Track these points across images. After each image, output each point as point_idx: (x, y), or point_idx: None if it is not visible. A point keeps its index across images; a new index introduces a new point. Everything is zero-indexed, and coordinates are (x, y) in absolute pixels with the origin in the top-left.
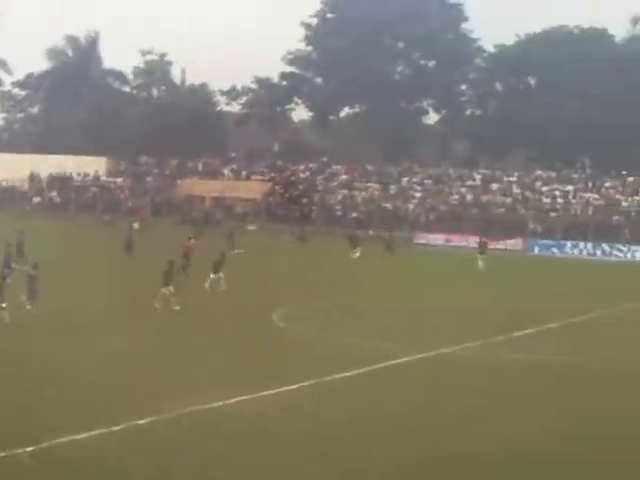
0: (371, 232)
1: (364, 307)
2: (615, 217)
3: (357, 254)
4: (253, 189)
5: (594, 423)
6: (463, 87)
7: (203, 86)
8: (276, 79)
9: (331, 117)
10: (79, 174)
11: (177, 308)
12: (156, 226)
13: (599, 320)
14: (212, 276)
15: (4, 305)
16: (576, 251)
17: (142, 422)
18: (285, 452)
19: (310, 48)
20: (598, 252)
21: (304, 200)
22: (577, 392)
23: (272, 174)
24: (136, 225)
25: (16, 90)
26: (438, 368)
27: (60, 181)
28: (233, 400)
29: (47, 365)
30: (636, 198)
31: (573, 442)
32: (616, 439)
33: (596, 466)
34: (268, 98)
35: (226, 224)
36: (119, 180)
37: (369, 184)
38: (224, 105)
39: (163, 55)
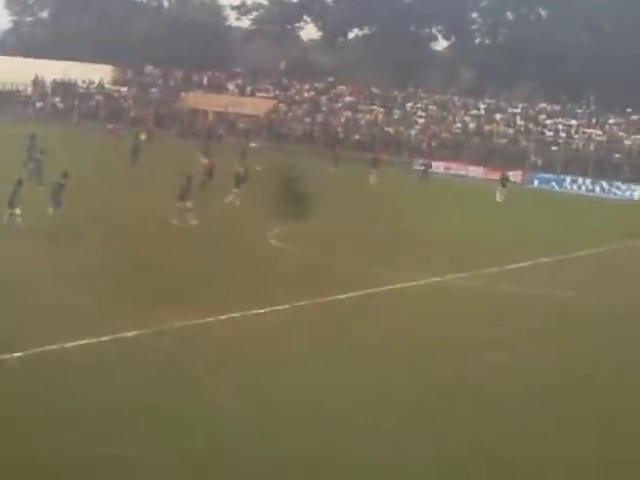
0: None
1: (365, 231)
2: (617, 155)
3: (372, 178)
4: (257, 106)
5: (586, 356)
6: (474, 15)
7: (213, 0)
8: None
9: (340, 38)
10: (84, 81)
11: (194, 223)
12: (160, 138)
13: (589, 257)
14: (235, 190)
15: (18, 211)
16: (575, 186)
17: (130, 334)
18: (269, 369)
19: None
20: (597, 188)
21: (307, 119)
22: (566, 326)
23: (277, 92)
24: (143, 136)
25: None
26: (431, 296)
27: (64, 87)
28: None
29: (45, 270)
30: (639, 137)
31: (558, 367)
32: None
33: (592, 390)
34: (278, 15)
35: (228, 140)
36: (124, 89)
37: (373, 107)
38: (234, 20)
39: None
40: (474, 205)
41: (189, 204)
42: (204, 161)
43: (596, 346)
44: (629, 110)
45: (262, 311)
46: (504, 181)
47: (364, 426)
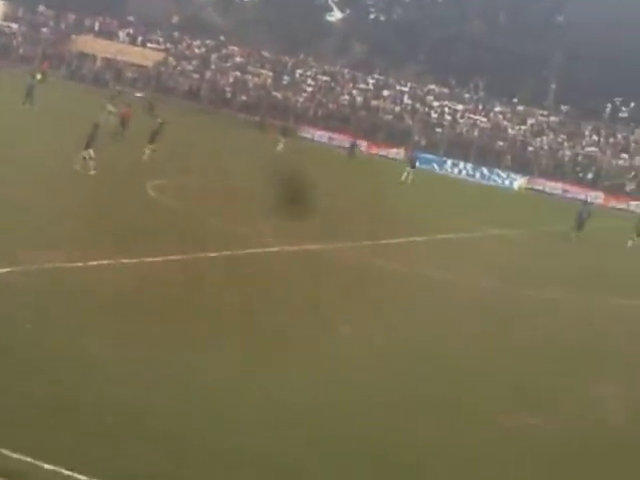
0: (257, 119)
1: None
2: (500, 143)
3: (281, 146)
4: (146, 56)
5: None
6: None
7: None
8: None
9: None
10: None
11: (93, 172)
12: (50, 79)
13: (461, 240)
14: (150, 146)
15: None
16: (456, 170)
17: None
18: (129, 316)
19: None
20: (477, 174)
21: (195, 75)
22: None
23: (167, 45)
24: (38, 75)
25: None
26: (298, 263)
27: None
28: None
29: None
30: (523, 127)
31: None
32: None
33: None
34: None
35: (113, 87)
36: (14, 26)
37: (262, 70)
38: None
39: None
40: (356, 178)
41: (92, 152)
42: (113, 109)
43: (456, 329)
44: (515, 100)
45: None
46: (412, 162)
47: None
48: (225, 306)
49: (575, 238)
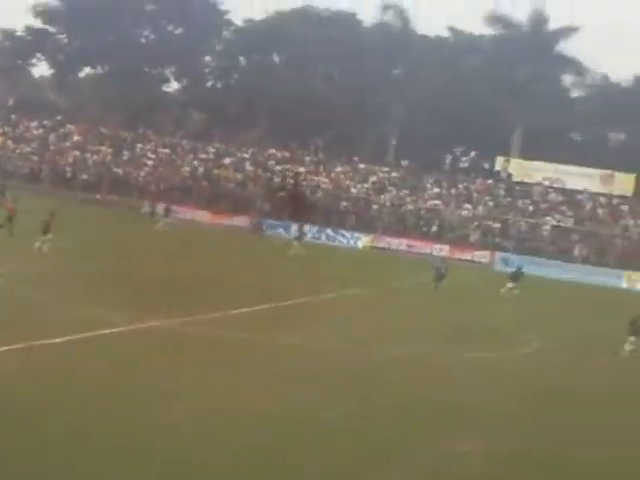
0: (98, 196)
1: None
2: (343, 203)
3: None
4: None
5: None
6: (207, 58)
7: None
8: (20, 32)
9: (71, 76)
10: None
11: None
12: None
13: (311, 303)
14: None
15: None
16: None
17: None
18: None
19: (58, 2)
20: (323, 236)
21: (35, 158)
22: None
23: (5, 128)
24: None
25: None
26: (143, 342)
27: None
28: None
29: None
30: (365, 185)
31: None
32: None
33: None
34: (9, 49)
35: None
36: None
37: (102, 147)
38: None
39: None
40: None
41: None
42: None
43: (312, 395)
44: (356, 159)
45: None
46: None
47: None
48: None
49: (434, 289)
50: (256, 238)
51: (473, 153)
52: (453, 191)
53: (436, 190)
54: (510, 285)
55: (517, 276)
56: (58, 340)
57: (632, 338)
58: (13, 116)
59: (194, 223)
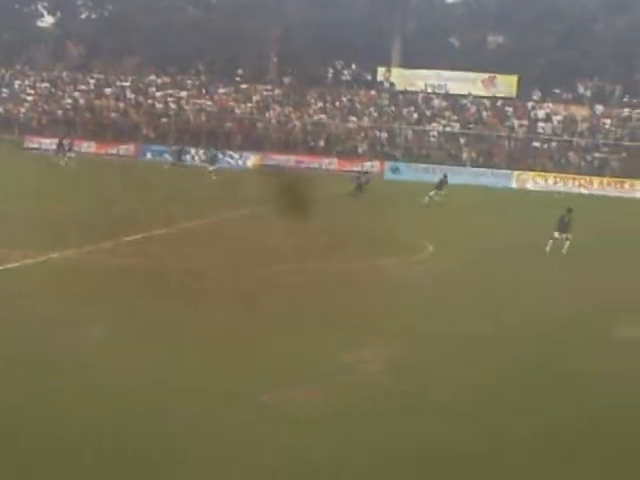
0: None
1: None
2: (228, 124)
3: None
4: None
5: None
6: None
7: None
8: None
9: None
10: None
11: None
12: None
13: (209, 226)
14: None
15: None
16: (188, 157)
17: None
18: None
19: None
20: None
21: None
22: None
23: None
24: None
25: None
26: (47, 273)
27: None
28: None
29: None
30: (249, 105)
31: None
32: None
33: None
34: None
35: None
36: None
37: None
38: None
39: None
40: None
41: None
42: None
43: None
44: (238, 79)
45: None
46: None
47: None
48: None
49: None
50: (142, 164)
51: (354, 65)
52: (337, 104)
53: (320, 104)
54: (432, 193)
55: (441, 185)
56: None
57: (556, 233)
58: None
59: (81, 155)
